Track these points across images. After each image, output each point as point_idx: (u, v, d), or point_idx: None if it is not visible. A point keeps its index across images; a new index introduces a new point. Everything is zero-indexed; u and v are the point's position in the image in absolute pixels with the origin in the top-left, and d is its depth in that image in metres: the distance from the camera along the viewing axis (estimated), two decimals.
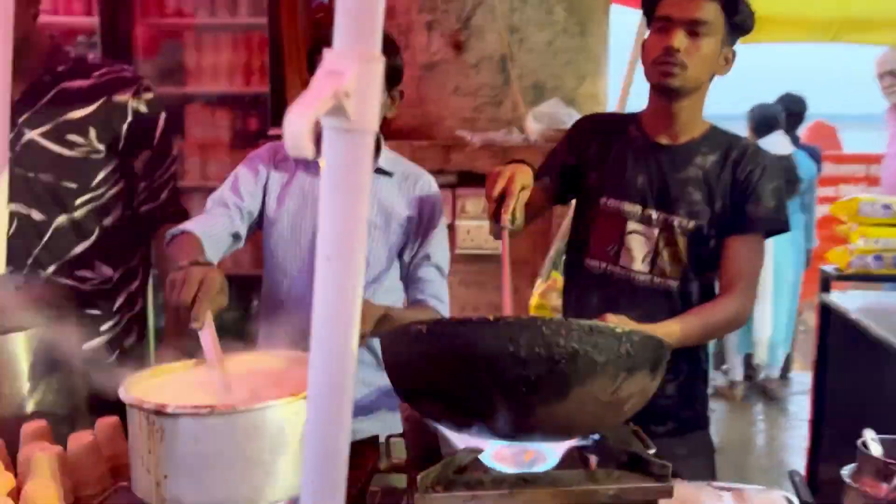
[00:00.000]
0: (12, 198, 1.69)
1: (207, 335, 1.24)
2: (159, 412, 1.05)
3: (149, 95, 1.88)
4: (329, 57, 0.58)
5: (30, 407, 1.47)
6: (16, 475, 1.19)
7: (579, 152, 1.74)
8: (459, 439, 1.15)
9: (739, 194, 1.62)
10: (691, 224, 1.61)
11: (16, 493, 1.14)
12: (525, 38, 3.19)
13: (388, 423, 1.66)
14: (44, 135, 1.79)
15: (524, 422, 1.05)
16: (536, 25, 3.19)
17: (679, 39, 1.53)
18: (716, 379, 4.67)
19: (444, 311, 1.75)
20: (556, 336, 0.99)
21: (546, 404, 1.02)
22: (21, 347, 1.49)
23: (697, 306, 1.63)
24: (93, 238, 1.86)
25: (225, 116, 3.32)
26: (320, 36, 3.27)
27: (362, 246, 0.62)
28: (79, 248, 1.86)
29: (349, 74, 0.56)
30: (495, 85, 3.21)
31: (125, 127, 1.84)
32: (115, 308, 1.92)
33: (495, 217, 1.49)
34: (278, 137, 3.01)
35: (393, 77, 1.66)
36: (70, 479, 1.19)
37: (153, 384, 1.21)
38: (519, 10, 3.17)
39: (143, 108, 1.86)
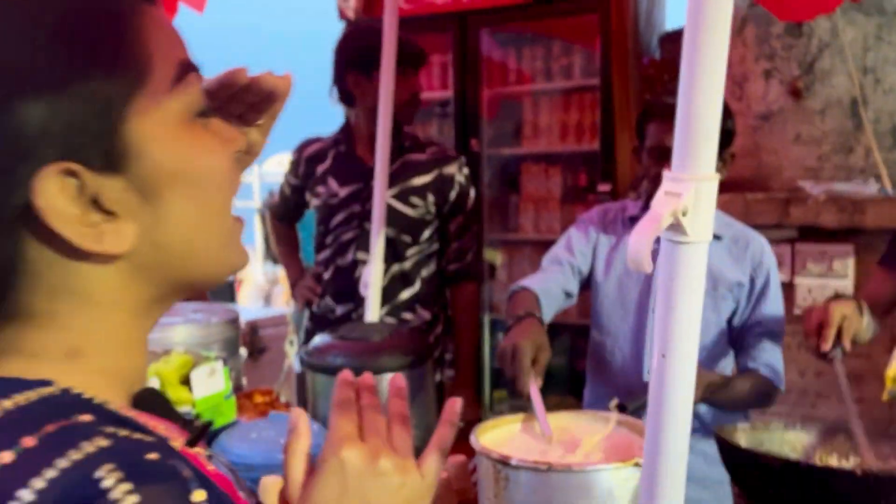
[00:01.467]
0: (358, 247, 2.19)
1: (535, 401, 1.37)
2: (504, 462, 1.20)
3: (466, 171, 2.25)
4: (667, 179, 0.65)
5: None
6: None
7: None
8: None
9: None
10: None
11: None
12: (881, 79, 2.90)
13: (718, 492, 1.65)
14: (394, 197, 2.17)
15: None
16: (895, 64, 2.88)
17: None
18: None
19: (778, 381, 1.69)
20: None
21: None
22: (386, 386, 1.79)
23: None
24: (416, 286, 2.21)
25: (557, 173, 3.53)
26: (651, 95, 3.35)
27: (695, 345, 0.67)
28: (405, 294, 2.21)
29: (686, 195, 0.63)
30: (844, 131, 2.95)
31: (453, 194, 2.20)
32: None
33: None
34: (607, 193, 3.14)
35: (724, 141, 1.66)
36: None
37: (497, 434, 1.37)
38: (874, 49, 2.89)
39: (463, 181, 2.22)
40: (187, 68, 0.50)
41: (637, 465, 1.15)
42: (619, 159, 3.24)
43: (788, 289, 2.77)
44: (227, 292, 4.47)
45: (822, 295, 2.77)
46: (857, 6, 2.87)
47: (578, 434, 1.37)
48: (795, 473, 1.05)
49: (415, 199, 2.19)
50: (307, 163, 2.25)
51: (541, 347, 1.43)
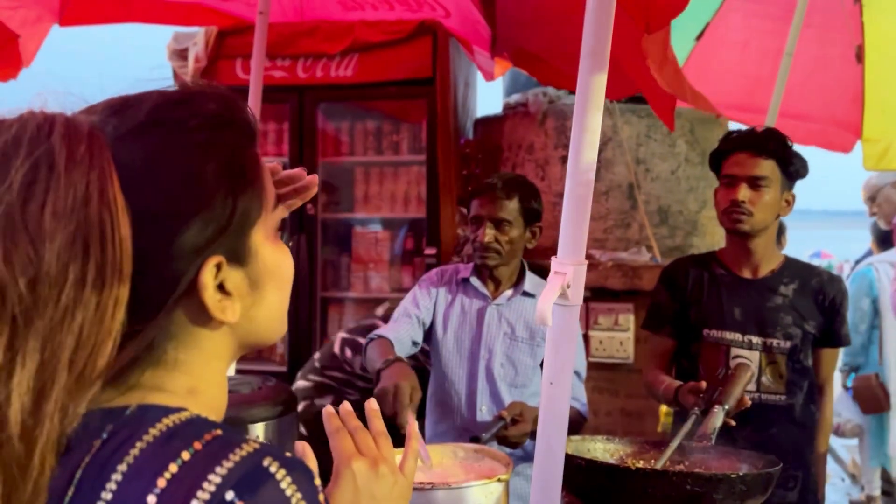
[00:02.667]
0: None
1: (413, 432, 1.63)
2: None
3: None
4: (556, 262, 0.99)
5: None
6: None
7: (680, 295, 2.05)
8: None
9: (828, 317, 1.94)
10: (787, 344, 1.92)
11: None
12: (651, 168, 3.58)
13: None
14: None
15: None
16: (660, 157, 3.58)
17: (743, 193, 1.88)
18: (851, 494, 4.62)
19: (583, 409, 2.06)
20: (683, 483, 1.30)
21: None
22: (258, 434, 1.96)
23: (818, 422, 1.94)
24: None
25: (386, 237, 3.86)
26: (467, 171, 3.80)
27: (570, 373, 0.99)
28: None
29: (569, 274, 0.96)
30: (623, 209, 3.58)
31: None
32: None
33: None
34: (433, 255, 3.49)
35: (534, 216, 2.08)
36: None
37: None
38: (644, 145, 3.57)
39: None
40: (276, 203, 0.72)
41: (500, 480, 1.45)
42: (442, 226, 3.63)
43: (585, 339, 3.28)
44: None
45: (611, 345, 3.32)
46: (631, 108, 3.55)
47: (447, 462, 1.65)
48: (602, 472, 1.40)
49: None
50: None
51: (415, 388, 1.70)
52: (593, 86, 0.97)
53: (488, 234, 1.99)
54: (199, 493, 0.56)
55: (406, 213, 3.81)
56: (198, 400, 0.66)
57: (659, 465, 1.53)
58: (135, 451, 0.58)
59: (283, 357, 3.78)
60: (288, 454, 0.61)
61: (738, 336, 1.94)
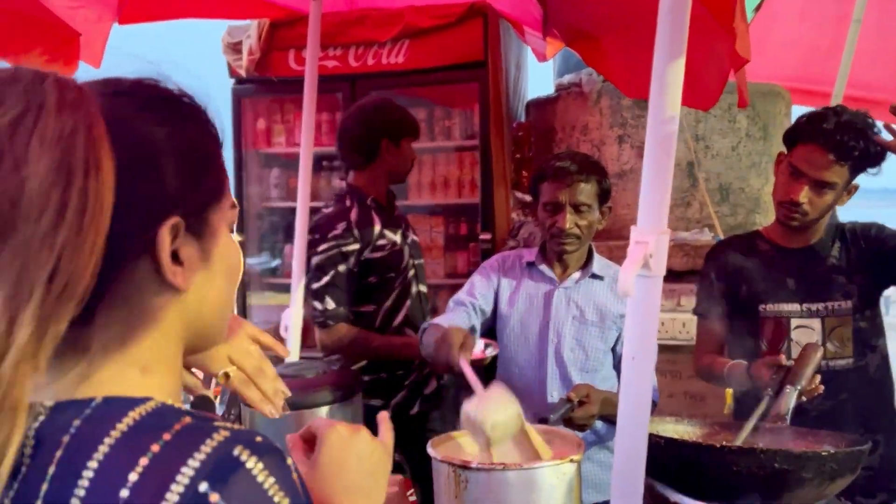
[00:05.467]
0: None
1: (468, 372, 1.56)
2: (465, 467, 1.43)
3: None
4: (636, 231, 0.96)
5: None
6: None
7: (727, 275, 1.99)
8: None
9: (881, 259, 1.86)
10: (848, 304, 1.84)
11: None
12: (710, 146, 3.49)
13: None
14: (413, 234, 2.61)
15: None
16: (720, 133, 3.48)
17: (804, 194, 1.80)
18: None
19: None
20: (770, 461, 1.27)
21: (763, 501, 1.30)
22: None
23: None
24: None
25: (440, 223, 3.85)
26: (520, 154, 3.76)
27: (654, 347, 0.96)
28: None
29: (651, 243, 0.93)
30: (682, 188, 3.50)
31: None
32: None
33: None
34: (488, 240, 3.47)
35: (606, 197, 2.03)
36: None
37: (447, 447, 1.60)
38: (703, 121, 3.48)
39: None
40: (233, 202, 0.76)
41: (572, 461, 1.43)
42: (496, 211, 3.61)
43: None
44: None
45: (673, 327, 3.25)
46: None
47: (515, 443, 1.63)
48: (684, 450, 1.36)
49: (413, 232, 2.60)
50: (358, 227, 2.39)
51: (466, 335, 1.67)
52: (669, 70, 0.93)
53: (569, 219, 1.94)
54: (174, 486, 0.57)
55: (459, 199, 3.79)
56: (152, 381, 0.67)
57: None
58: (104, 448, 0.59)
59: None
60: (258, 438, 0.62)
61: (795, 306, 1.88)
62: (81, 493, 0.58)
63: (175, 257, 0.66)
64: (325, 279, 2.38)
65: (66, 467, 0.59)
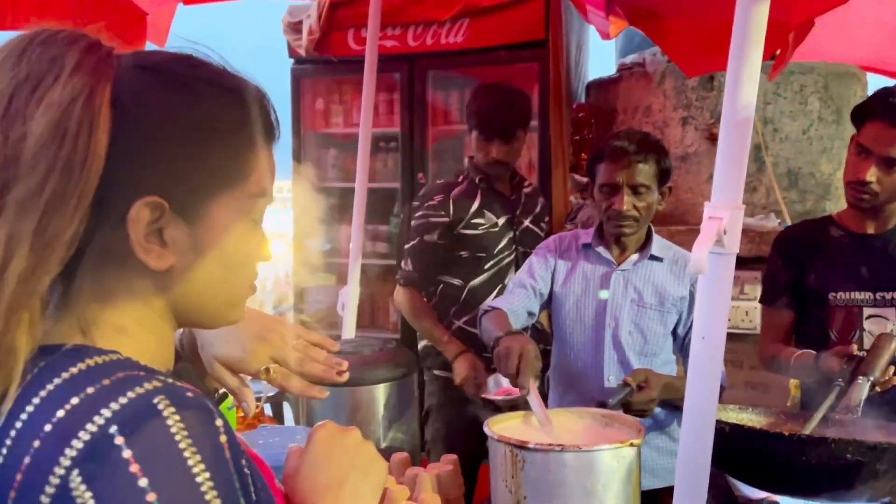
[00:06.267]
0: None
1: (534, 398, 1.57)
2: (522, 447, 1.41)
3: None
4: (710, 206, 0.91)
5: (384, 443, 1.93)
6: None
7: (795, 262, 1.90)
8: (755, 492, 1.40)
9: None
10: None
11: None
12: (779, 129, 3.36)
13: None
14: (531, 222, 2.59)
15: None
16: (790, 116, 3.35)
17: (871, 173, 1.70)
18: None
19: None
20: (843, 451, 1.21)
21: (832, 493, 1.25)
22: (380, 395, 1.98)
23: None
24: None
25: None
26: (580, 136, 3.69)
27: (725, 326, 0.93)
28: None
29: (725, 219, 0.89)
30: (748, 172, 3.38)
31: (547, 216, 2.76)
32: None
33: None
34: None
35: (666, 177, 1.96)
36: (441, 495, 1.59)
37: (505, 426, 1.58)
38: (772, 103, 3.36)
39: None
40: (264, 193, 0.73)
41: (632, 445, 1.39)
42: (553, 193, 3.55)
43: None
44: None
45: (735, 315, 3.15)
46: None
47: (572, 426, 1.60)
48: (751, 438, 1.31)
49: (543, 224, 2.62)
50: (456, 201, 2.48)
51: (537, 356, 1.66)
52: (752, 17, 0.89)
53: (627, 201, 1.88)
54: (88, 426, 0.57)
55: None
56: (128, 341, 0.67)
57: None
58: (50, 386, 0.61)
59: (395, 325, 3.82)
60: (189, 394, 0.61)
61: (869, 295, 1.80)
62: (19, 424, 0.60)
63: (160, 235, 0.66)
64: (413, 242, 2.51)
65: (17, 403, 0.61)
